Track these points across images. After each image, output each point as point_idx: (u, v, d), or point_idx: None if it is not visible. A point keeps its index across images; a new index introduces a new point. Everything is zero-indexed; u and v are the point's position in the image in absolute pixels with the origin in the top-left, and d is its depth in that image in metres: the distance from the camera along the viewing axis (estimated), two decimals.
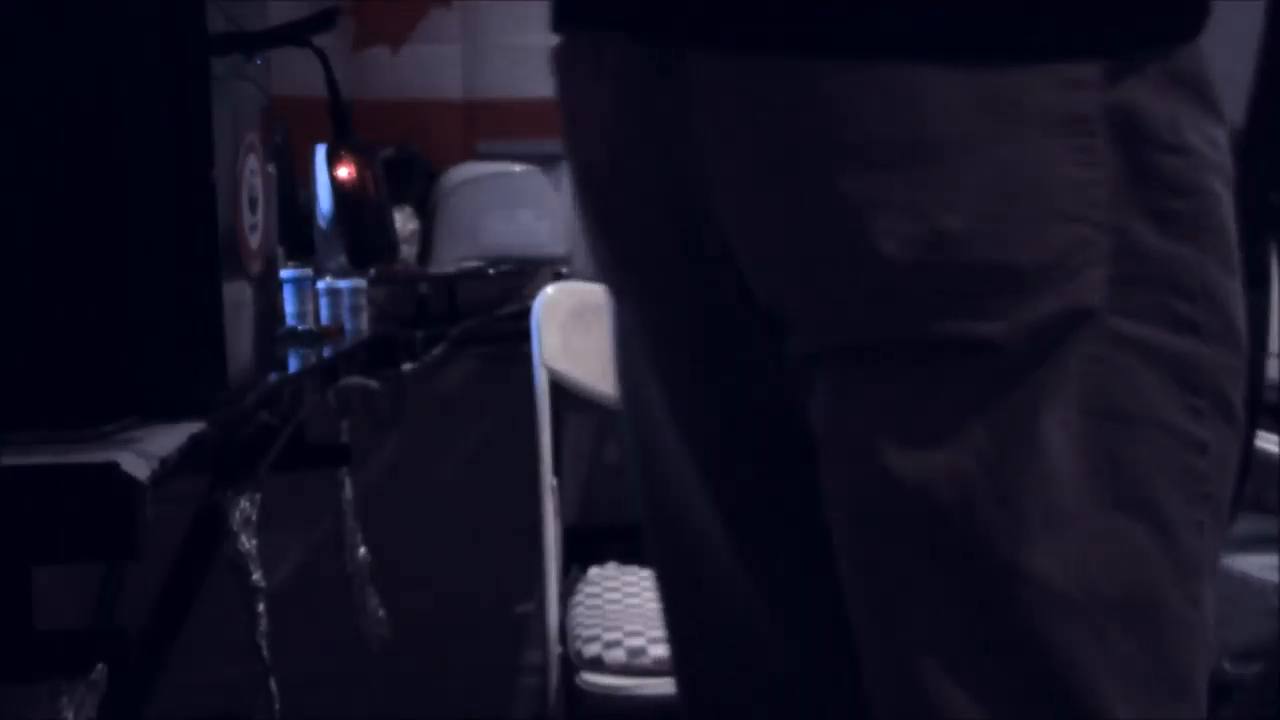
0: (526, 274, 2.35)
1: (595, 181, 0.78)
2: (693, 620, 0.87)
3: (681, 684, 0.90)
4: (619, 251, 0.79)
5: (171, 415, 0.96)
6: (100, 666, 0.87)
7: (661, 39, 0.70)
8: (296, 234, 2.03)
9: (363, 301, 1.84)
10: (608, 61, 0.75)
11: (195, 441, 0.93)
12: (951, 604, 0.66)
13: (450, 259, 2.26)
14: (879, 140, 0.63)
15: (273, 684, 1.29)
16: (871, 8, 0.63)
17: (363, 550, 1.95)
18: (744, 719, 0.86)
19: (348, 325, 1.79)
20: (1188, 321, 0.65)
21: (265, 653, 1.27)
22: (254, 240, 1.15)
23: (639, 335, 0.84)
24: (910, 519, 0.66)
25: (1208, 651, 0.67)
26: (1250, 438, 0.75)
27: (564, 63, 0.82)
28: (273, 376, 1.23)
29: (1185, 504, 0.65)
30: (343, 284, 1.80)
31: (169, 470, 0.86)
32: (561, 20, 0.81)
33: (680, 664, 0.89)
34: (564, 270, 2.29)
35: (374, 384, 1.73)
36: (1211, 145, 0.65)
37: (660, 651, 1.69)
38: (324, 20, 1.24)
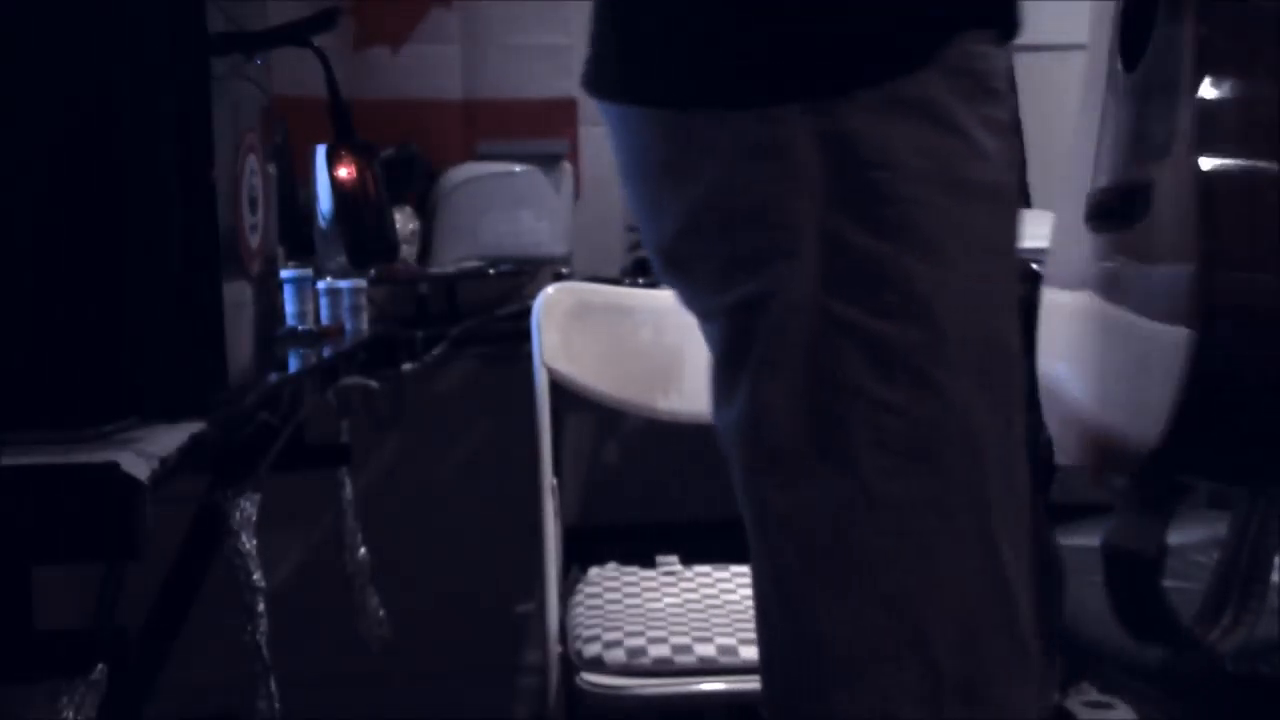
0: (526, 274, 2.35)
1: None
2: None
3: None
4: None
5: (171, 415, 0.96)
6: (100, 666, 0.87)
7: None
8: (296, 234, 2.03)
9: (363, 301, 1.84)
10: None
11: (195, 441, 0.93)
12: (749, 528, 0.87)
13: (450, 259, 2.26)
14: (627, 163, 0.89)
15: (273, 684, 1.29)
16: (642, 71, 0.86)
17: (363, 550, 1.95)
18: None
19: (348, 325, 1.79)
20: (884, 306, 0.80)
21: (265, 653, 1.27)
22: (254, 240, 1.15)
23: None
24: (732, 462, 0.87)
25: (905, 573, 0.82)
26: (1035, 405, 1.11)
27: None
28: (273, 376, 1.23)
29: (880, 456, 0.80)
30: (343, 284, 1.81)
31: (169, 470, 0.86)
32: None
33: None
34: (564, 270, 2.29)
35: (374, 384, 1.73)
36: (928, 156, 0.79)
37: (660, 651, 1.69)
38: (324, 20, 1.24)
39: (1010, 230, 0.86)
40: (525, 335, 2.02)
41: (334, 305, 1.78)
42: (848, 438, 0.81)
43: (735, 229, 0.82)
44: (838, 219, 0.80)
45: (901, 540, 0.82)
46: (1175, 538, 1.77)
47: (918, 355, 0.80)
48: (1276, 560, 1.63)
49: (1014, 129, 0.88)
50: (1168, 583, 1.59)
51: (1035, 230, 2.47)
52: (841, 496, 0.82)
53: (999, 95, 0.83)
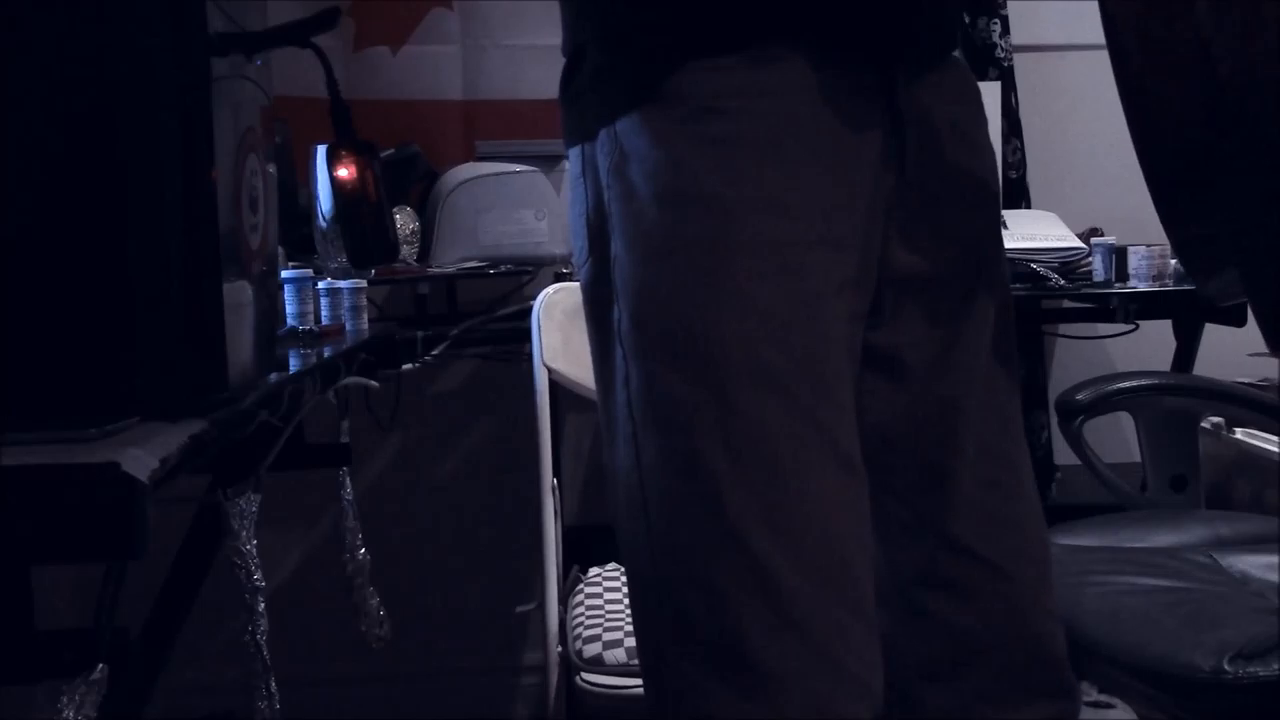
0: (526, 274, 2.34)
1: None
2: None
3: None
4: None
5: (171, 415, 0.96)
6: (100, 666, 0.87)
7: None
8: (296, 234, 2.03)
9: (363, 301, 1.84)
10: None
11: (195, 441, 0.93)
12: None
13: (450, 259, 2.25)
14: None
15: (273, 684, 1.29)
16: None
17: (363, 550, 1.95)
18: None
19: (348, 325, 1.79)
20: (612, 297, 0.99)
21: (265, 653, 1.27)
22: (254, 240, 1.15)
23: None
24: None
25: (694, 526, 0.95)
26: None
27: None
28: (273, 376, 1.23)
29: (623, 419, 0.98)
30: (343, 284, 1.80)
31: (169, 470, 0.86)
32: None
33: None
34: (564, 270, 2.29)
35: (374, 384, 1.73)
36: (644, 174, 0.96)
37: None
38: (324, 20, 1.24)
39: (702, 224, 0.95)
40: (525, 335, 2.02)
41: (334, 305, 1.78)
42: (615, 410, 1.00)
43: (574, 239, 1.05)
44: (602, 228, 1.00)
45: (636, 499, 0.99)
46: (1175, 538, 1.77)
47: (624, 341, 0.98)
48: (1276, 561, 1.63)
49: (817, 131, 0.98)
50: (1167, 582, 1.59)
51: (1036, 230, 2.47)
52: (615, 463, 1.01)
53: (722, 111, 0.95)
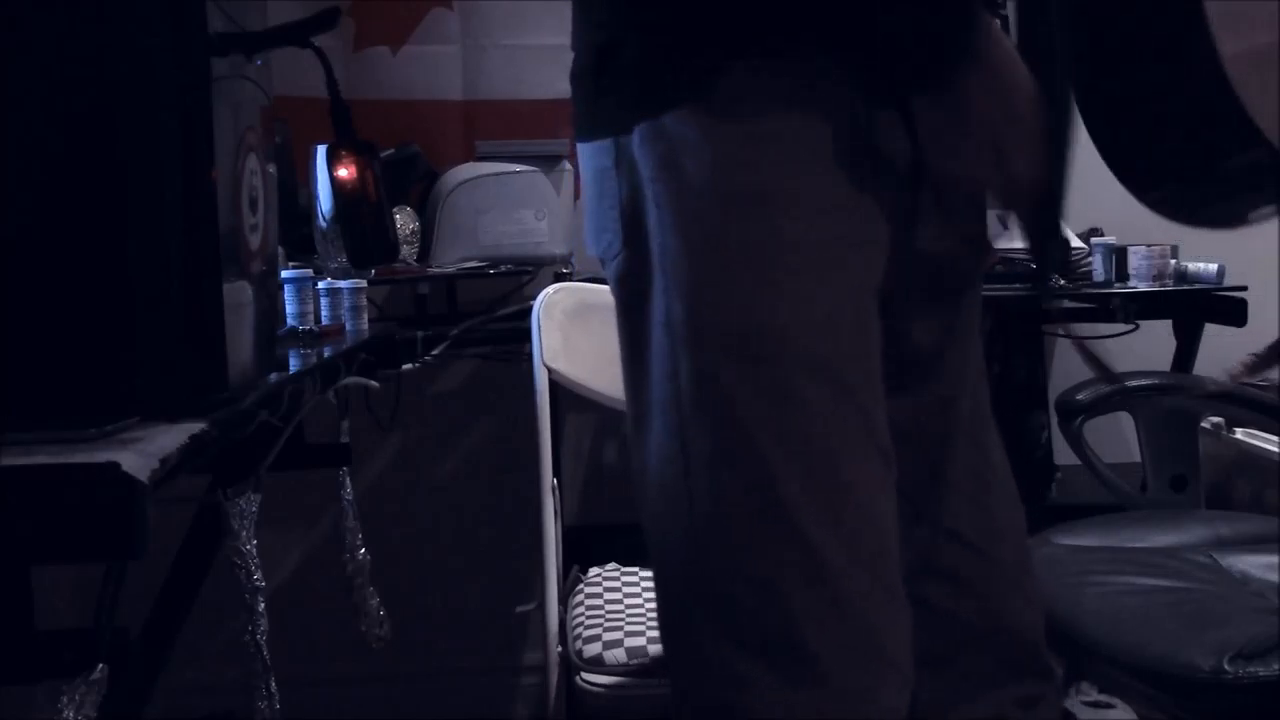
0: (526, 274, 2.34)
1: None
2: None
3: None
4: None
5: (171, 415, 0.96)
6: (100, 666, 0.87)
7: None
8: (296, 234, 2.03)
9: (363, 301, 1.84)
10: None
11: (195, 441, 0.93)
12: None
13: (450, 259, 2.25)
14: None
15: (273, 684, 1.29)
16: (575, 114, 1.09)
17: (363, 550, 1.95)
18: None
19: (348, 325, 1.79)
20: (658, 289, 0.99)
21: (265, 653, 1.27)
22: (254, 240, 1.15)
23: None
24: None
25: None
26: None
27: None
28: (273, 376, 1.23)
29: (668, 411, 0.98)
30: (343, 284, 1.80)
31: (169, 470, 0.86)
32: None
33: None
34: (564, 270, 2.29)
35: (374, 384, 1.73)
36: (675, 171, 0.97)
37: (660, 651, 1.69)
38: (324, 20, 1.24)
39: (757, 222, 0.96)
40: (525, 335, 2.01)
41: (334, 305, 1.78)
42: (649, 406, 1.00)
43: (600, 232, 1.05)
44: (638, 220, 1.01)
45: (680, 493, 0.98)
46: (1175, 538, 1.77)
47: (674, 336, 0.98)
48: (1276, 561, 1.63)
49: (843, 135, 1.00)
50: (1167, 582, 1.59)
51: None
52: (651, 459, 1.00)
53: (774, 112, 0.97)
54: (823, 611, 0.93)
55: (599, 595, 1.94)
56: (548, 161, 2.28)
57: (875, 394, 0.99)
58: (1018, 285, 2.22)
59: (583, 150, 1.07)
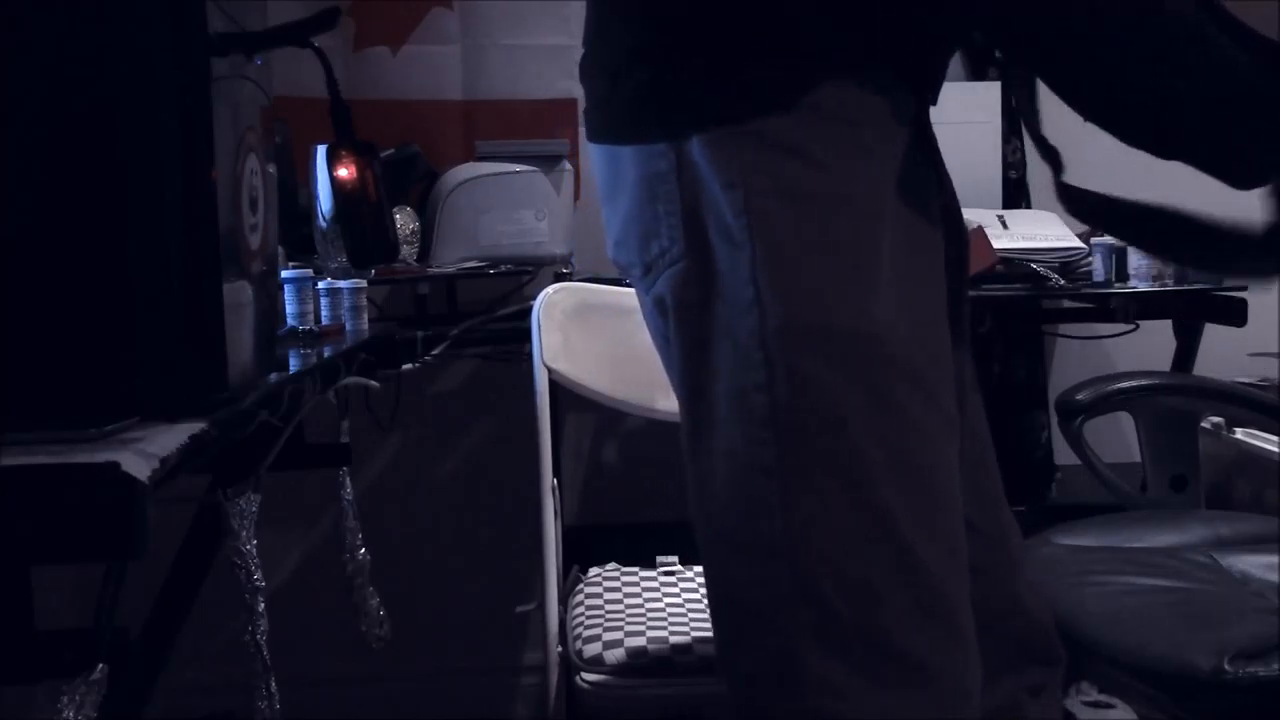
0: (526, 274, 2.34)
1: None
2: None
3: None
4: None
5: (171, 415, 0.96)
6: (100, 666, 0.87)
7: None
8: (296, 234, 2.03)
9: (363, 301, 1.84)
10: None
11: (195, 441, 0.93)
12: None
13: (450, 259, 2.25)
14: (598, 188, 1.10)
15: (273, 684, 1.29)
16: (592, 116, 1.08)
17: (363, 550, 1.95)
18: None
19: (348, 325, 1.79)
20: (735, 300, 0.97)
21: (265, 653, 1.27)
22: (254, 240, 1.15)
23: None
24: None
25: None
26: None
27: None
28: (273, 376, 1.23)
29: (756, 421, 0.96)
30: (343, 284, 1.80)
31: (169, 470, 0.86)
32: None
33: None
34: (564, 270, 2.29)
35: (374, 384, 1.73)
36: (767, 174, 0.95)
37: (660, 651, 1.69)
38: (324, 20, 1.24)
39: (857, 228, 0.97)
40: (525, 335, 2.01)
41: (334, 305, 1.78)
42: (716, 413, 0.98)
43: (648, 239, 1.02)
44: (700, 230, 0.99)
45: (769, 499, 0.95)
46: (1175, 538, 1.77)
47: (768, 341, 0.95)
48: (1276, 561, 1.63)
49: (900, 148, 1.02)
50: (1167, 582, 1.59)
51: (1036, 230, 2.47)
52: (723, 465, 0.98)
53: (863, 123, 0.98)
54: (920, 615, 0.95)
55: (599, 595, 1.94)
56: (548, 161, 2.28)
57: (953, 400, 1.02)
58: (1018, 285, 2.22)
59: (616, 154, 1.05)
